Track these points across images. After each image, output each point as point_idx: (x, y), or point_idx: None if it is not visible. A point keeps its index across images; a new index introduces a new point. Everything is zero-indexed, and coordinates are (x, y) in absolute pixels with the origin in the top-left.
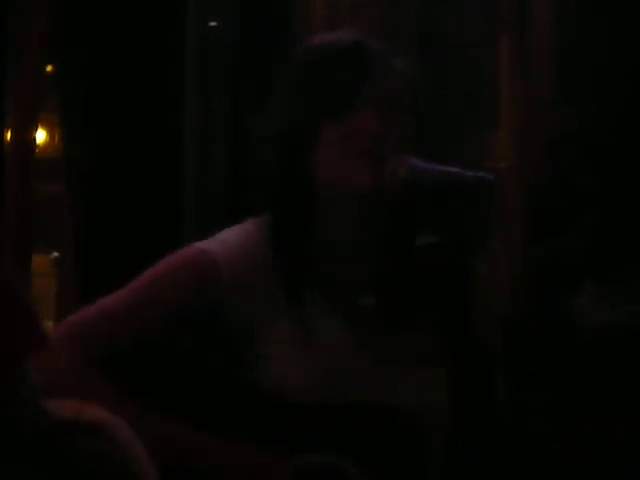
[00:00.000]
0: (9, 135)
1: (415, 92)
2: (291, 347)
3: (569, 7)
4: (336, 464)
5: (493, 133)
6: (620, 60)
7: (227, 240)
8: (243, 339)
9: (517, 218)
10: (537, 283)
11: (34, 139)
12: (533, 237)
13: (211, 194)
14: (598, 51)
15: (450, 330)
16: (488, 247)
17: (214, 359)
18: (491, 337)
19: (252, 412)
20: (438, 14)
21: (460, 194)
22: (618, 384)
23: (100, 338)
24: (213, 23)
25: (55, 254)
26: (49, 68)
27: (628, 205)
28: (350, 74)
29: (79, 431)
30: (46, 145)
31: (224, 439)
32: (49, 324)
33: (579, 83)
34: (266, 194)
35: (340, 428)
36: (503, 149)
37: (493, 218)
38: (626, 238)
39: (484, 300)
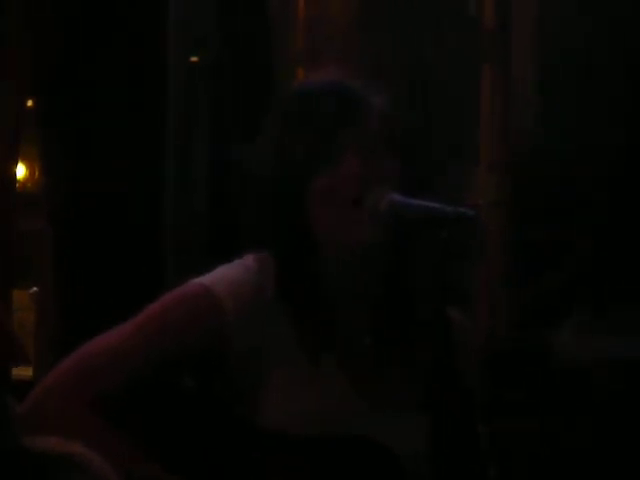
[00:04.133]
0: None
1: (397, 129)
2: (294, 383)
3: (551, 36)
4: None
5: (475, 167)
6: (603, 90)
7: (228, 276)
8: (247, 374)
9: (498, 252)
10: (520, 316)
11: (14, 174)
12: (515, 271)
13: (193, 228)
14: (581, 79)
15: (432, 375)
16: (466, 287)
17: (216, 394)
18: (472, 382)
19: (250, 445)
20: (418, 44)
21: (441, 229)
22: (597, 415)
23: (103, 378)
24: (194, 58)
25: (34, 289)
26: (29, 103)
27: (613, 240)
28: (328, 122)
29: (56, 464)
30: (26, 180)
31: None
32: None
33: (562, 112)
34: (265, 239)
35: (330, 461)
36: (485, 183)
37: (474, 252)
38: (610, 272)
39: (463, 345)
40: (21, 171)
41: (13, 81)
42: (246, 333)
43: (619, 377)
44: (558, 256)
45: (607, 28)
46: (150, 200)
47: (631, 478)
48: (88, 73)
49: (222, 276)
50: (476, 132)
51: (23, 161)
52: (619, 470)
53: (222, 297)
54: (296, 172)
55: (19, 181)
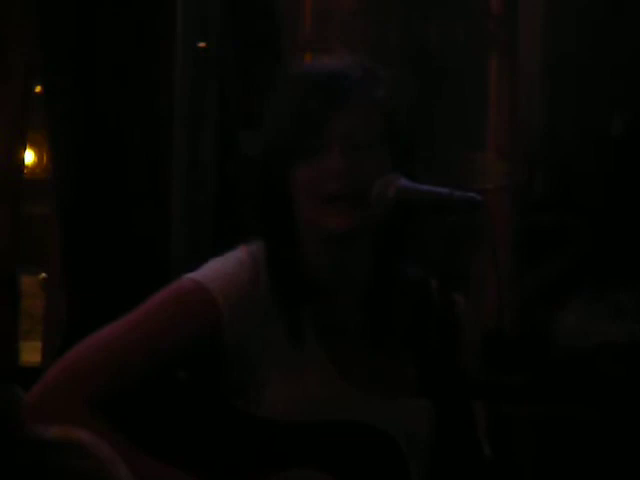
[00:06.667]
0: None
1: (395, 117)
2: (288, 374)
3: (559, 24)
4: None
5: (481, 153)
6: (612, 76)
7: (221, 270)
8: (241, 367)
9: (506, 238)
10: (527, 303)
11: (22, 160)
12: (522, 258)
13: (200, 217)
14: (590, 65)
15: (432, 361)
16: (473, 272)
17: (210, 386)
18: (473, 368)
19: (246, 435)
20: (425, 32)
21: (449, 214)
22: (595, 400)
23: (98, 378)
24: (202, 44)
25: (43, 275)
26: (38, 89)
27: (618, 225)
28: (315, 113)
29: (65, 450)
30: (34, 166)
31: (221, 463)
32: (37, 344)
33: (569, 101)
34: (258, 227)
35: (327, 446)
36: (492, 169)
37: (482, 238)
38: (614, 259)
39: (467, 332)
40: (29, 157)
41: (21, 67)
42: (239, 327)
43: (620, 361)
44: (562, 242)
45: (617, 12)
46: (158, 186)
47: (635, 462)
48: (95, 59)
49: (214, 271)
50: (484, 116)
51: (31, 147)
52: (623, 455)
53: (214, 292)
54: (280, 160)
55: (27, 167)
